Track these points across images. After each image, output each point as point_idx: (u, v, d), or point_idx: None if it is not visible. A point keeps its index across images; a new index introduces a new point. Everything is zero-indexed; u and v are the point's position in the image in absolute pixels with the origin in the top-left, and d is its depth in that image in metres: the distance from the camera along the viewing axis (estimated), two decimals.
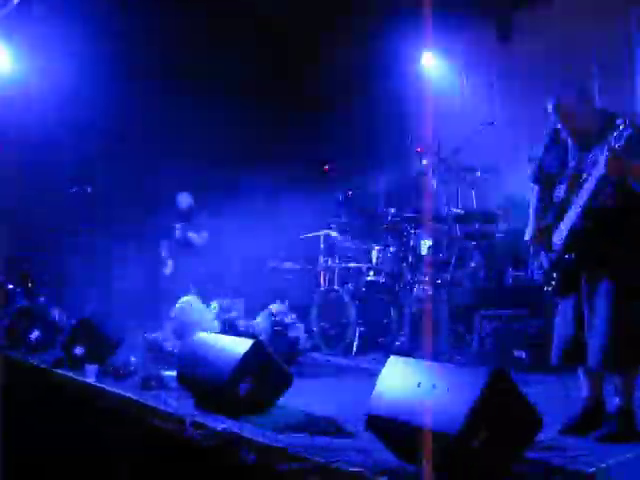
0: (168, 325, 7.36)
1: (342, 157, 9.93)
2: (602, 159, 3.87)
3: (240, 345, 4.84)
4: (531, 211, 4.52)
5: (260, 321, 7.23)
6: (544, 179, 4.44)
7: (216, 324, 7.42)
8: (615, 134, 3.81)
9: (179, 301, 7.52)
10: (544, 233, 4.29)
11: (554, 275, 4.20)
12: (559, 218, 4.20)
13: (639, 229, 4.01)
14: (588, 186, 4.01)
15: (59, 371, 6.42)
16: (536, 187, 4.53)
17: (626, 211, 4.00)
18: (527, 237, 4.48)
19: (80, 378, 6.05)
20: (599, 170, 3.91)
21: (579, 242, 4.07)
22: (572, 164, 4.19)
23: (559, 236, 4.16)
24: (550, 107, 4.21)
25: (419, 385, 3.48)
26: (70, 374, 6.23)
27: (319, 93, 10.59)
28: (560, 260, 4.14)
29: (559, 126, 4.26)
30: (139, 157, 10.50)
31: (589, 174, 4.01)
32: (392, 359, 3.86)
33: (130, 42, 9.37)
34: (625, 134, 3.79)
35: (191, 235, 9.31)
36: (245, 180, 10.32)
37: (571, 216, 4.10)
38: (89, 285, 10.18)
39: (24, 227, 9.73)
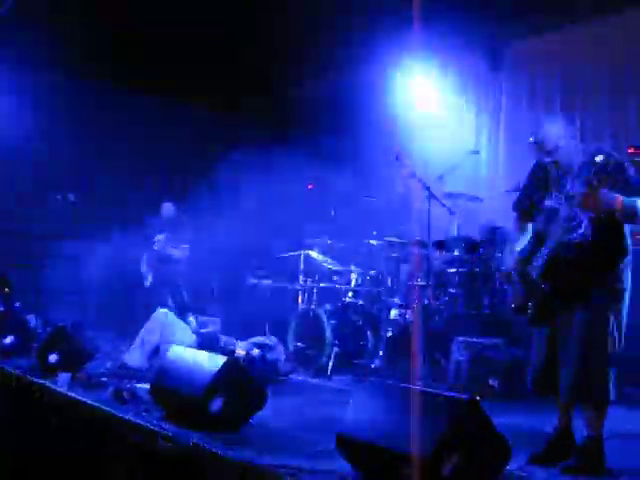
0: (140, 339, 7.23)
1: (327, 177, 9.97)
2: (578, 194, 3.94)
3: (214, 361, 4.83)
4: (511, 240, 4.58)
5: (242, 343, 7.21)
6: (526, 209, 4.50)
7: (193, 338, 7.37)
8: (594, 169, 3.87)
9: (153, 314, 7.44)
10: (522, 262, 4.34)
11: (530, 304, 4.24)
12: (537, 248, 4.26)
13: (614, 264, 4.06)
14: (565, 219, 4.08)
15: (31, 378, 6.36)
16: (517, 216, 4.60)
17: (601, 245, 4.06)
18: (506, 265, 4.53)
19: (52, 386, 6.00)
20: (575, 204, 3.98)
21: (554, 273, 4.12)
22: (551, 197, 4.25)
23: (536, 266, 4.21)
24: (533, 140, 4.28)
25: (391, 408, 3.49)
26: (42, 381, 6.17)
27: (305, 113, 10.64)
28: (536, 290, 4.19)
29: (541, 159, 4.33)
30: (121, 170, 10.53)
31: (566, 207, 4.08)
32: (366, 381, 3.88)
33: None
34: (603, 169, 3.86)
35: (170, 250, 9.28)
36: (227, 195, 10.33)
37: (548, 247, 4.16)
38: (66, 293, 10.14)
39: (2, 233, 9.70)
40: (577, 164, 4.15)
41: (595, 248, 4.06)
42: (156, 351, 6.88)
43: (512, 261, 4.46)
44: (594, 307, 4.05)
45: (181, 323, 7.46)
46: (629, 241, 4.16)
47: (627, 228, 4.14)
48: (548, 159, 4.28)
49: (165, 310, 7.54)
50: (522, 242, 4.45)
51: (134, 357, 7.01)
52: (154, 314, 7.40)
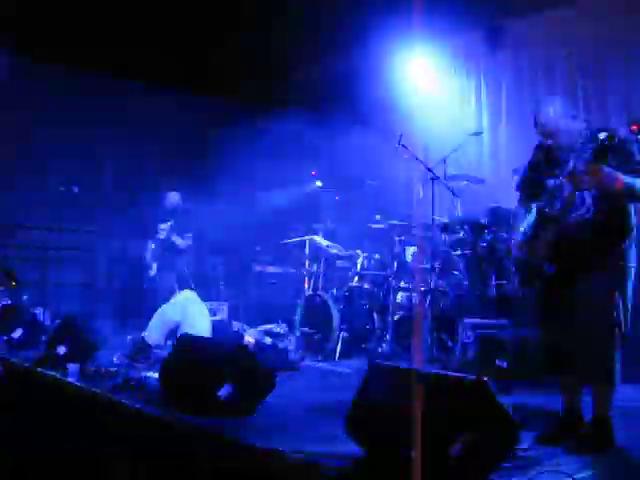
0: (159, 317, 7.15)
1: (330, 163, 9.98)
2: (578, 172, 3.96)
3: (223, 348, 4.85)
4: (516, 221, 4.57)
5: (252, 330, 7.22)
6: (529, 189, 4.49)
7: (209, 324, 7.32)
8: (594, 147, 3.88)
9: (177, 295, 7.37)
10: (526, 242, 4.34)
11: (536, 285, 4.24)
12: (540, 228, 4.26)
13: (618, 242, 4.06)
14: (567, 198, 4.08)
15: (41, 370, 6.39)
16: (520, 196, 4.59)
17: (604, 224, 4.06)
18: (512, 246, 4.53)
19: (62, 377, 6.03)
20: (576, 183, 3.99)
21: (558, 253, 4.13)
22: (554, 177, 4.24)
23: (539, 246, 4.21)
24: (534, 122, 4.28)
25: (399, 390, 3.51)
26: (52, 373, 6.20)
27: (304, 96, 10.61)
28: (541, 271, 4.18)
29: (543, 140, 4.32)
30: (123, 158, 10.54)
31: (568, 187, 4.07)
32: (373, 365, 3.89)
33: None
34: (603, 147, 3.87)
35: (175, 239, 9.29)
36: (231, 182, 10.33)
37: (551, 227, 4.16)
38: (73, 285, 10.18)
39: (7, 226, 9.72)
40: (579, 144, 4.14)
41: (598, 227, 4.05)
42: (175, 331, 6.86)
43: (517, 241, 4.46)
44: (598, 286, 4.04)
45: (204, 307, 7.34)
46: (634, 219, 4.15)
47: (632, 206, 4.14)
48: (549, 140, 4.28)
49: (189, 292, 7.49)
50: (526, 222, 4.45)
51: (153, 336, 6.97)
52: (178, 295, 7.36)
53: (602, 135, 3.90)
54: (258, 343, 6.86)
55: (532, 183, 4.45)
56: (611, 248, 4.07)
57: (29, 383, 6.30)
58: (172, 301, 7.23)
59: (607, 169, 3.91)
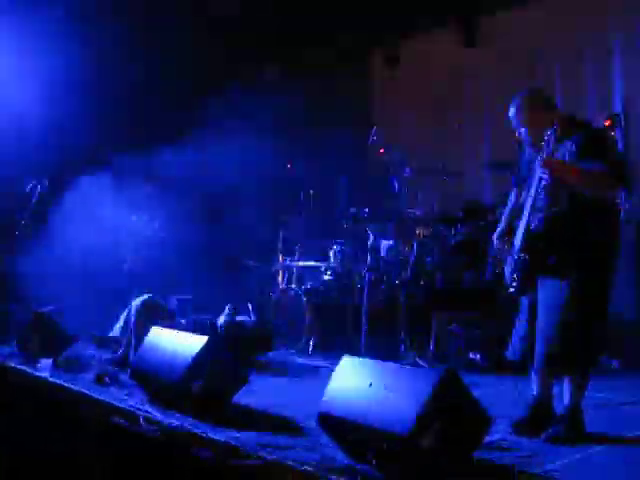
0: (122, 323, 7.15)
1: (304, 155, 9.94)
2: (537, 164, 4.03)
3: (194, 342, 4.82)
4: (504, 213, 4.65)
5: (221, 318, 7.19)
6: (519, 182, 4.56)
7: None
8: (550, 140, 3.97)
9: (136, 300, 7.35)
10: (508, 234, 4.42)
11: (515, 275, 4.28)
12: (517, 220, 4.33)
13: (588, 234, 4.09)
14: (531, 190, 4.15)
15: (12, 365, 6.34)
16: (514, 190, 4.66)
17: (576, 215, 4.11)
18: (494, 237, 4.59)
19: (34, 372, 5.98)
20: (536, 174, 4.08)
21: (531, 244, 4.17)
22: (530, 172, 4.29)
23: (517, 238, 4.26)
24: (510, 114, 4.34)
25: (370, 385, 3.51)
26: (24, 368, 6.15)
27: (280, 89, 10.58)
28: (517, 261, 4.22)
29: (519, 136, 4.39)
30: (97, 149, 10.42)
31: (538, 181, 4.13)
32: (345, 358, 3.89)
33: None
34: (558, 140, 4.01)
35: (147, 231, 9.21)
36: (204, 175, 10.27)
37: (524, 219, 4.19)
38: (45, 278, 10.08)
39: None
40: (547, 136, 4.17)
41: (569, 218, 4.11)
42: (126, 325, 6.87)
43: (498, 233, 4.57)
44: (567, 278, 4.08)
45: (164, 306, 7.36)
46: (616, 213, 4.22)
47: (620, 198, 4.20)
48: (518, 134, 4.36)
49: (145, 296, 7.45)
50: (511, 215, 4.54)
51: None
52: (135, 300, 7.32)
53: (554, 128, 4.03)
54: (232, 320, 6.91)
55: (521, 175, 4.52)
56: (583, 240, 4.09)
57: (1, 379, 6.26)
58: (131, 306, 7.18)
59: (559, 161, 4.04)
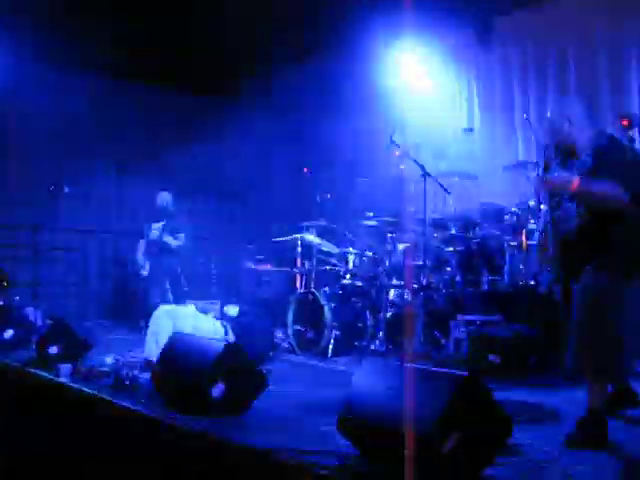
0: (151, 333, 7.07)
1: (321, 160, 9.95)
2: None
3: (214, 346, 4.83)
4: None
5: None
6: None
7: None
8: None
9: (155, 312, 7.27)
10: (540, 244, 4.47)
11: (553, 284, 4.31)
12: (549, 231, 4.36)
13: (612, 242, 4.09)
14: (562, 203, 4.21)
15: (32, 370, 6.37)
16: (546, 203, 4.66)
17: (596, 230, 4.11)
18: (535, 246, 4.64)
19: (53, 378, 6.01)
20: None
21: (562, 254, 4.21)
22: None
23: (550, 247, 4.28)
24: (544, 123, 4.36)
25: (391, 388, 3.50)
26: (43, 373, 6.18)
27: (294, 95, 10.60)
28: (556, 271, 4.25)
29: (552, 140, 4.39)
30: (114, 156, 10.50)
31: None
32: (366, 362, 3.88)
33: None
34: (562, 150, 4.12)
35: (167, 239, 9.27)
36: (222, 181, 10.32)
37: (555, 231, 4.28)
38: (65, 285, 10.15)
39: None
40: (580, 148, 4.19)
41: (589, 233, 4.12)
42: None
43: (537, 244, 4.65)
44: (594, 278, 4.08)
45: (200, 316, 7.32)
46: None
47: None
48: (556, 141, 4.36)
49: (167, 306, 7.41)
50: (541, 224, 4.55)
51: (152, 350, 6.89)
52: (155, 312, 7.26)
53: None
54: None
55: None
56: (606, 251, 4.09)
57: (21, 384, 6.29)
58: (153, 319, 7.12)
59: (556, 175, 4.11)
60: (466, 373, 3.37)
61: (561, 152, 4.29)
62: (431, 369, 3.82)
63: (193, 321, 6.87)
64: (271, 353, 7.02)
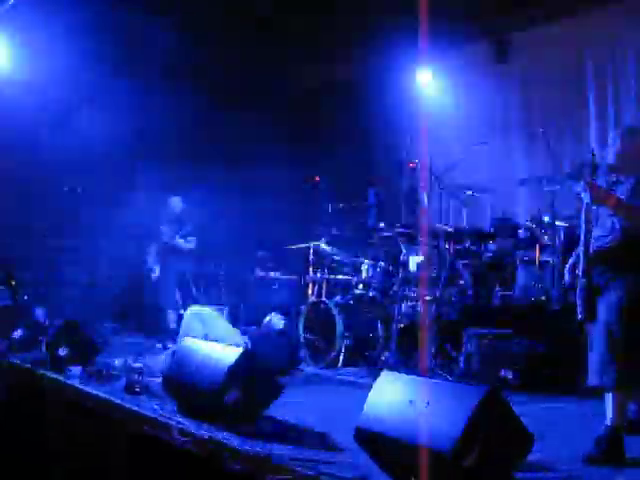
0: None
1: (335, 170, 9.94)
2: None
3: (229, 353, 4.80)
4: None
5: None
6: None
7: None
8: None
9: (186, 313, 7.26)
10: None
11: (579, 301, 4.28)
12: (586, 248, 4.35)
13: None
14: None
15: (42, 371, 6.35)
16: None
17: (631, 245, 4.13)
18: (565, 271, 4.66)
19: (63, 379, 5.99)
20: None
21: (590, 268, 4.20)
22: None
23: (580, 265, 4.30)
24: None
25: (412, 401, 3.46)
26: (53, 375, 6.17)
27: (312, 106, 10.62)
28: (580, 287, 4.24)
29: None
30: (126, 159, 10.49)
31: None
32: (384, 373, 3.84)
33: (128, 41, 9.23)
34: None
35: (179, 241, 9.27)
36: (234, 187, 10.31)
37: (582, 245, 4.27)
38: (74, 285, 10.13)
39: (7, 227, 9.66)
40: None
41: (628, 247, 4.13)
42: None
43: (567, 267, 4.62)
44: (617, 293, 4.09)
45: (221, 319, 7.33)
46: None
47: None
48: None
49: (198, 307, 7.42)
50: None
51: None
52: (186, 313, 7.26)
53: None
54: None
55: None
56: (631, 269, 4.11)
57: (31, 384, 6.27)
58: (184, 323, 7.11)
59: (597, 186, 4.11)
60: (487, 387, 3.34)
61: (609, 171, 4.32)
62: (452, 382, 3.79)
63: (219, 325, 6.91)
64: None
